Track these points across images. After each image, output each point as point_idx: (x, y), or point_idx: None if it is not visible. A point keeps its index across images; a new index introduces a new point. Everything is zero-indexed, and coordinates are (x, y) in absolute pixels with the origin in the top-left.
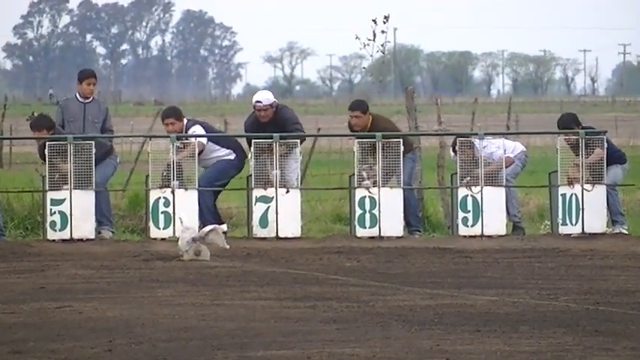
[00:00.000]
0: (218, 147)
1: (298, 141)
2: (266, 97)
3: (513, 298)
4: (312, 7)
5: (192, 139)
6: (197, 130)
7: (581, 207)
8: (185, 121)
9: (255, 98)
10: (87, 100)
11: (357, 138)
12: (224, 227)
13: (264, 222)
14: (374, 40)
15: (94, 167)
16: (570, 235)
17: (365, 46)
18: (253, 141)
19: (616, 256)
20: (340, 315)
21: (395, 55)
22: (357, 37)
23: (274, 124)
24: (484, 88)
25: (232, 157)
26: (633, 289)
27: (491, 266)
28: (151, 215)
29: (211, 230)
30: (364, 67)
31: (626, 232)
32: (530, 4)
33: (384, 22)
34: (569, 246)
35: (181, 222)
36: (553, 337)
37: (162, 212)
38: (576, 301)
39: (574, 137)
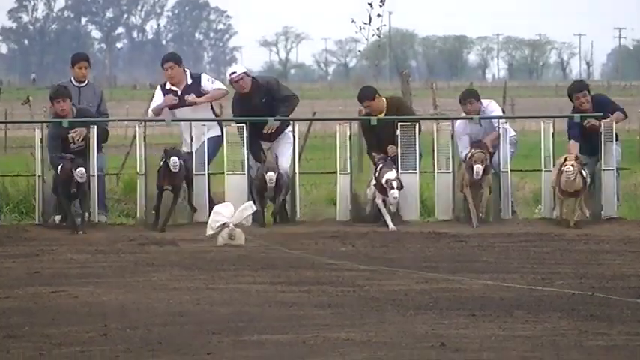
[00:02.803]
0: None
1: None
2: (238, 68)
3: (508, 283)
4: None
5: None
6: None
7: None
8: (187, 70)
9: (228, 72)
10: (81, 84)
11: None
12: (253, 206)
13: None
14: (370, 23)
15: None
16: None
17: (361, 29)
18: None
19: (611, 240)
20: (335, 299)
21: (390, 39)
22: (352, 21)
23: (260, 95)
24: (479, 72)
25: (219, 132)
26: (628, 273)
27: (486, 250)
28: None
29: (243, 209)
30: (360, 51)
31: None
32: None
33: (381, 6)
34: (564, 230)
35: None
36: (548, 321)
37: None
38: (571, 286)
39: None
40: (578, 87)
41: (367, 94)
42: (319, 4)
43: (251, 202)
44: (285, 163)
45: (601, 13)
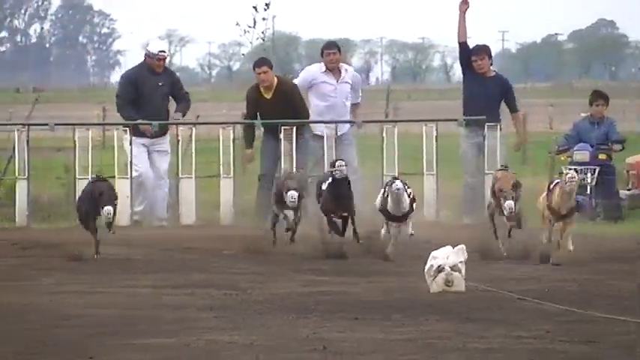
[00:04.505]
0: None
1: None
2: (165, 47)
3: (388, 286)
4: None
5: None
6: None
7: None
8: None
9: (157, 48)
10: None
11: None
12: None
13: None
14: (254, 27)
15: None
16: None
17: (245, 33)
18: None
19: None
20: (218, 302)
21: (274, 42)
22: (237, 24)
23: (162, 79)
24: (363, 75)
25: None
26: (509, 276)
27: (370, 253)
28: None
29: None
30: (243, 54)
31: None
32: None
33: (265, 9)
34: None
35: None
36: (425, 324)
37: None
38: None
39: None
40: (476, 49)
41: (266, 61)
42: (204, 8)
43: (464, 245)
44: (164, 168)
45: (484, 16)
